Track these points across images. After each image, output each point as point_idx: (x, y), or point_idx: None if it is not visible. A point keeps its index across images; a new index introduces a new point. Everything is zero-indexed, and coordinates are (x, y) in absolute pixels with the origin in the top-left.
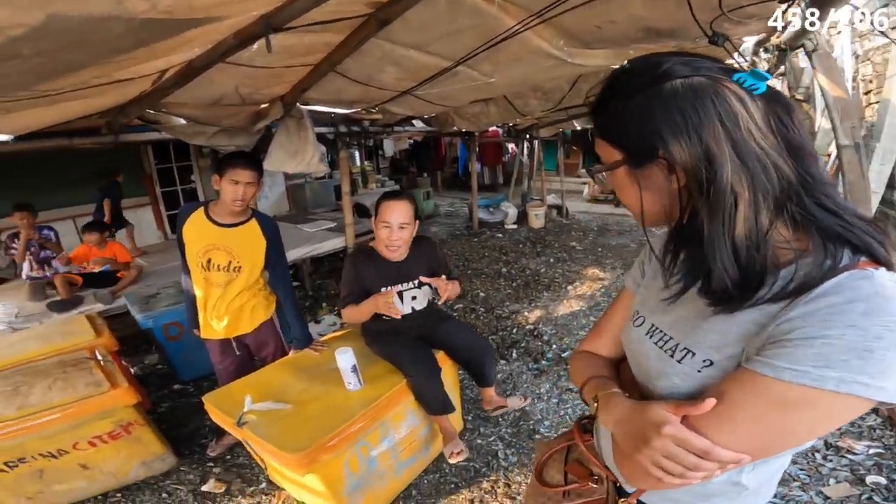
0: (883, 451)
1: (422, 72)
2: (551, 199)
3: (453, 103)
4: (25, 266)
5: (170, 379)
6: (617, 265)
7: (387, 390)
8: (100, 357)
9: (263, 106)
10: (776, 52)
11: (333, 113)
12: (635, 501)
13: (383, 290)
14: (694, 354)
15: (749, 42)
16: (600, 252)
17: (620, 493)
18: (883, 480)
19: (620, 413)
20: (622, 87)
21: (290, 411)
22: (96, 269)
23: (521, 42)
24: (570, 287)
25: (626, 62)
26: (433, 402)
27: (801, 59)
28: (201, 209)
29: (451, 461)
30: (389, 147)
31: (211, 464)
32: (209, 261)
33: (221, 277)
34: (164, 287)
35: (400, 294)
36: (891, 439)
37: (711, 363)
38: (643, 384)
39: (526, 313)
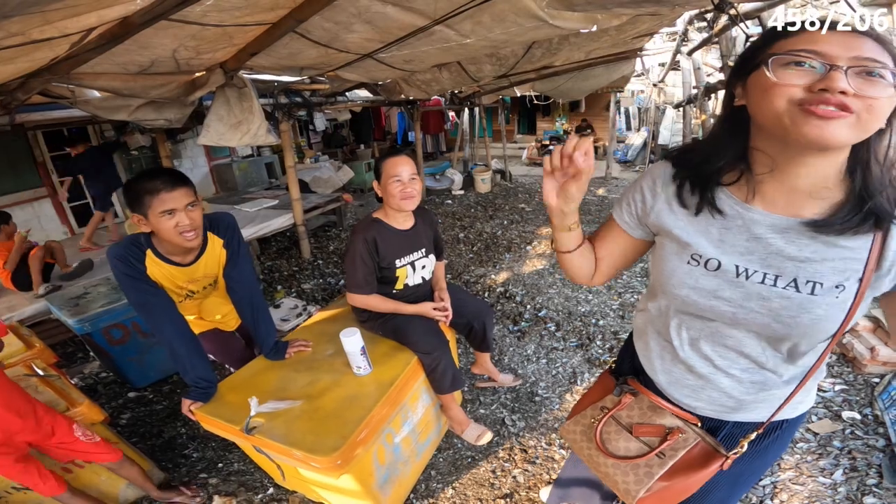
0: (846, 387)
1: (394, 31)
2: (494, 163)
3: (416, 67)
4: None
5: (122, 387)
6: None
7: (401, 370)
8: (40, 371)
9: (199, 74)
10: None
11: (276, 82)
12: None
13: (397, 262)
14: (822, 284)
15: (686, 14)
16: None
17: (711, 430)
18: (857, 415)
19: None
20: None
21: (303, 408)
22: None
23: (511, 1)
24: (528, 247)
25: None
26: (446, 378)
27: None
28: (149, 251)
29: (481, 443)
30: (321, 122)
31: (204, 475)
32: (187, 294)
33: (199, 296)
34: (92, 285)
35: (412, 264)
36: (850, 375)
37: (844, 287)
38: (752, 324)
39: (493, 276)
